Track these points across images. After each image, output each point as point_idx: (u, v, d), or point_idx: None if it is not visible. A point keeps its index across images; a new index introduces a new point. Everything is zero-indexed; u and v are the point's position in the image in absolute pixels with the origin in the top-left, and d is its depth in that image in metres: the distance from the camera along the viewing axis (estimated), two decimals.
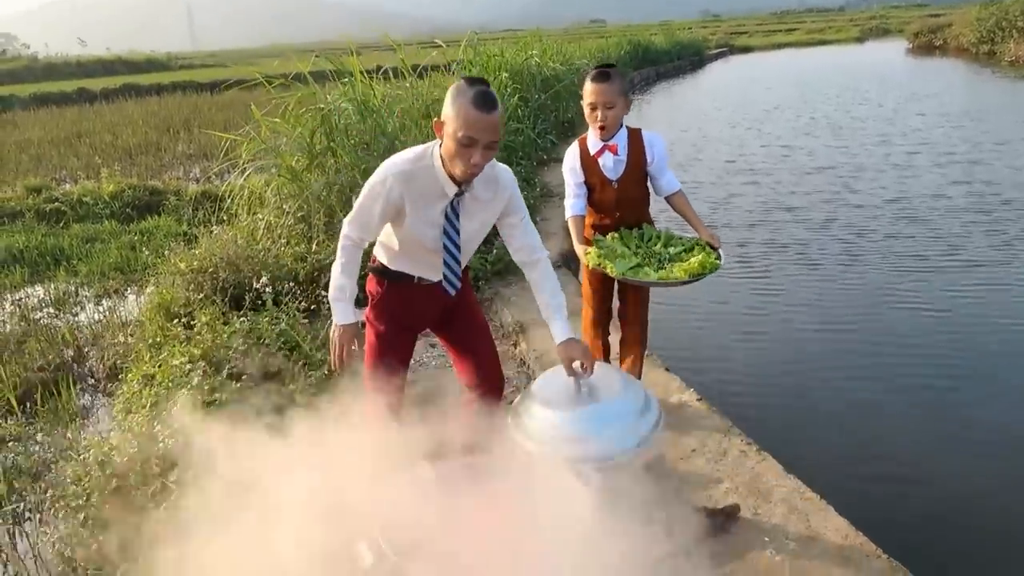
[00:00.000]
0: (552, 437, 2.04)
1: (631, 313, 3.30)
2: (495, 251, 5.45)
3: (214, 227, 5.45)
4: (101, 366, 5.64)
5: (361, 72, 6.59)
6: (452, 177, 2.23)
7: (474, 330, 2.63)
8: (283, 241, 5.19)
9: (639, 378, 3.29)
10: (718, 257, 2.86)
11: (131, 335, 5.44)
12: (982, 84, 19.53)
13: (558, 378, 2.25)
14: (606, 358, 3.39)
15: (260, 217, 5.79)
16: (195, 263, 4.76)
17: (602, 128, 2.94)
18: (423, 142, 2.40)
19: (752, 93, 20.03)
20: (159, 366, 3.97)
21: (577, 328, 2.99)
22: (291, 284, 4.57)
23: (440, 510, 2.03)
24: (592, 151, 3.03)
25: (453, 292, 2.46)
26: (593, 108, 2.93)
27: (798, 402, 4.16)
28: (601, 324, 3.34)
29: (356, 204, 2.35)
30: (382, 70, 7.76)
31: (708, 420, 3.25)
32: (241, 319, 4.08)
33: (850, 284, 5.81)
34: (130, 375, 4.29)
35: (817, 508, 2.64)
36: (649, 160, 3.06)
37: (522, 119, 9.30)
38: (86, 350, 6.30)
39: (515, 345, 4.46)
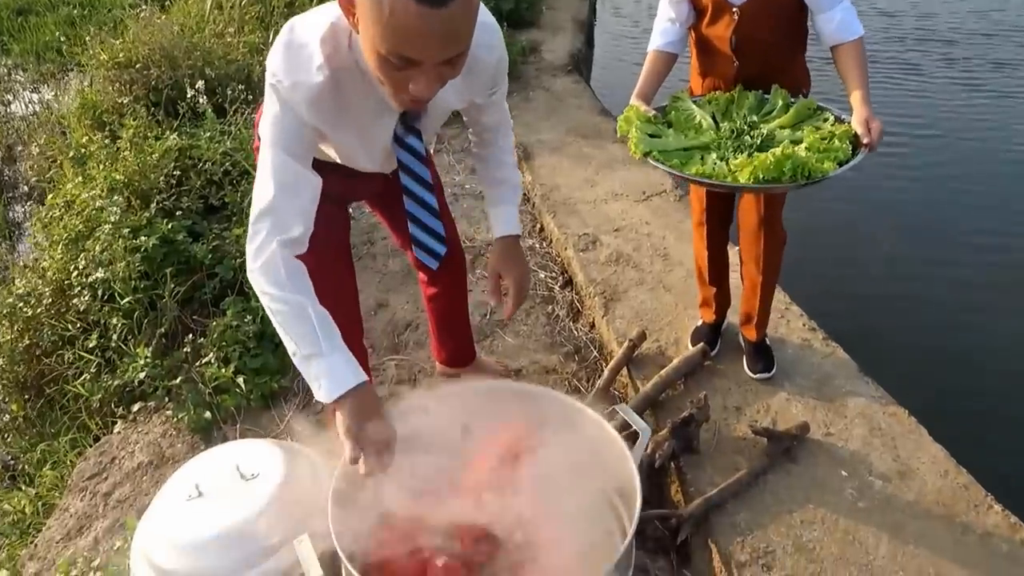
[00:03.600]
0: None
1: (749, 219, 2.08)
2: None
3: (144, 7, 4.40)
4: (32, 172, 4.85)
5: None
6: None
7: None
8: (231, 30, 4.18)
9: (759, 355, 2.25)
10: (851, 155, 1.65)
11: (64, 135, 4.62)
12: None
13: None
14: (724, 308, 2.37)
15: None
16: (121, 55, 3.82)
17: None
18: None
19: None
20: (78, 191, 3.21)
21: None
22: (241, 87, 3.67)
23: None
24: None
25: (435, 260, 1.65)
26: None
27: (865, 283, 3.41)
28: (712, 226, 2.20)
29: (260, 182, 1.33)
30: None
31: None
32: (175, 135, 3.25)
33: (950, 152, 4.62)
34: (50, 197, 3.53)
35: (906, 429, 2.07)
36: None
37: None
38: (18, 149, 5.49)
39: None
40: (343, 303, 1.71)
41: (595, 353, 2.53)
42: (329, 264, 1.63)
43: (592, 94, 4.61)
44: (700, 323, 2.41)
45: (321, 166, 1.41)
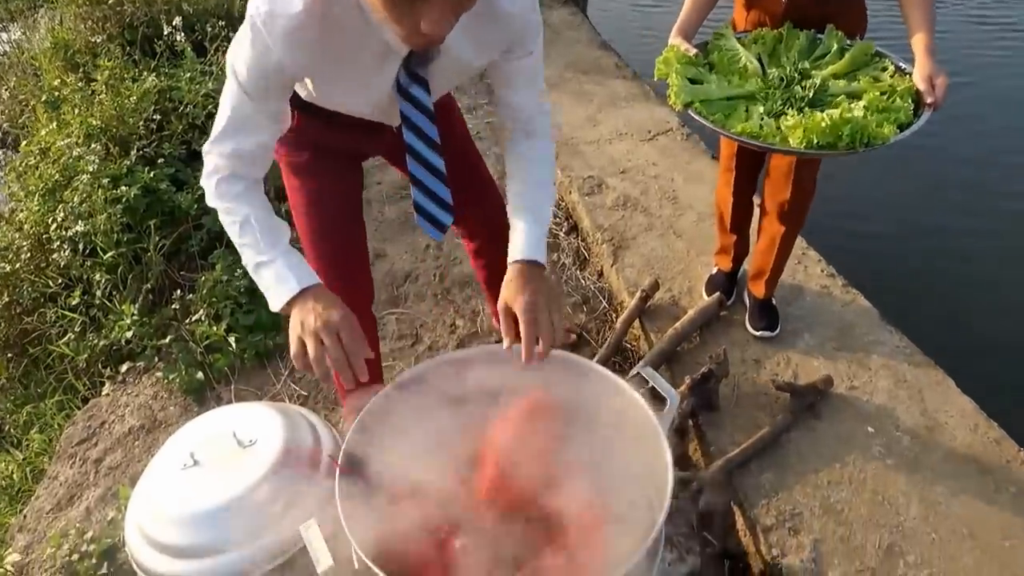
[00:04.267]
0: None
1: (779, 166, 1.89)
2: None
3: None
4: (3, 117, 4.63)
5: None
6: None
7: (455, 164, 1.45)
8: None
9: (764, 312, 2.12)
10: (913, 117, 1.46)
11: (37, 77, 4.38)
12: None
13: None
14: (742, 257, 2.24)
15: None
16: None
17: None
18: None
19: None
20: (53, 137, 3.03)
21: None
22: (221, 23, 3.45)
23: None
24: None
25: (438, 231, 1.43)
26: None
27: (884, 226, 3.27)
28: (740, 172, 2.03)
29: (221, 105, 1.21)
30: None
31: None
32: (153, 75, 3.05)
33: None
34: (24, 144, 3.35)
35: (932, 380, 1.98)
36: None
37: None
38: None
39: None
40: (355, 265, 1.58)
41: (604, 303, 2.41)
42: (342, 223, 1.50)
43: (590, 26, 4.40)
44: (715, 271, 2.29)
45: (321, 115, 1.26)
